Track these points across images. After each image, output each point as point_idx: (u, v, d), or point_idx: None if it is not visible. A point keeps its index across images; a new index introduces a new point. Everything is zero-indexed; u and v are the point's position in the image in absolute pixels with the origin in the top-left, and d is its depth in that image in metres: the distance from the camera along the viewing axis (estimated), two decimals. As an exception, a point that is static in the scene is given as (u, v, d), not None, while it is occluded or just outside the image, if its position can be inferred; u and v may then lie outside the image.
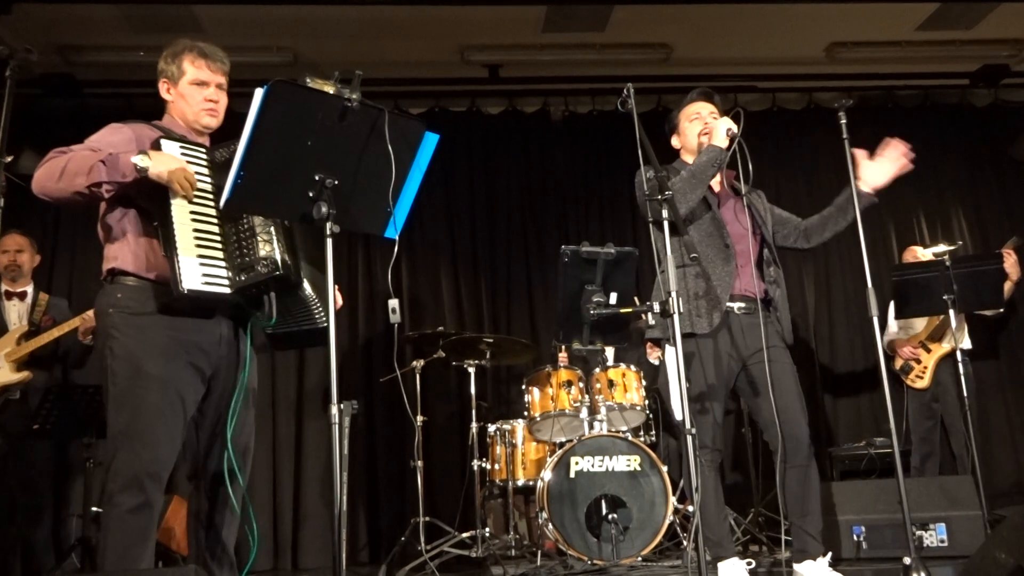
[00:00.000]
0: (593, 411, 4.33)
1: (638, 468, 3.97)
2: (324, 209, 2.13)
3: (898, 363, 5.19)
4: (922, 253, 5.26)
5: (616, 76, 5.55)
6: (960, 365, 4.34)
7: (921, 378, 5.05)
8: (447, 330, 4.85)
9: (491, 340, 4.48)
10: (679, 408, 2.54)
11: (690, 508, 2.81)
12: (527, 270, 5.88)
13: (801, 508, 2.98)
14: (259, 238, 2.37)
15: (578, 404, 4.32)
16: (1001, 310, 4.95)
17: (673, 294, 2.53)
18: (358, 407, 2.09)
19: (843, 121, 3.11)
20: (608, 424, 4.26)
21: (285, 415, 5.41)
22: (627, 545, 3.82)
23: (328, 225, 2.14)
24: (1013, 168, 6.30)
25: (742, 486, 5.19)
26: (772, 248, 3.19)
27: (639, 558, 3.86)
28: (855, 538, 3.78)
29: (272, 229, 2.37)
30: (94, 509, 4.00)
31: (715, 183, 3.21)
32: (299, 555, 5.22)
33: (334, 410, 2.04)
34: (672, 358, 2.78)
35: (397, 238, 2.32)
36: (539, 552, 4.09)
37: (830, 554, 2.98)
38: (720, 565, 3.02)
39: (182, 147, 2.45)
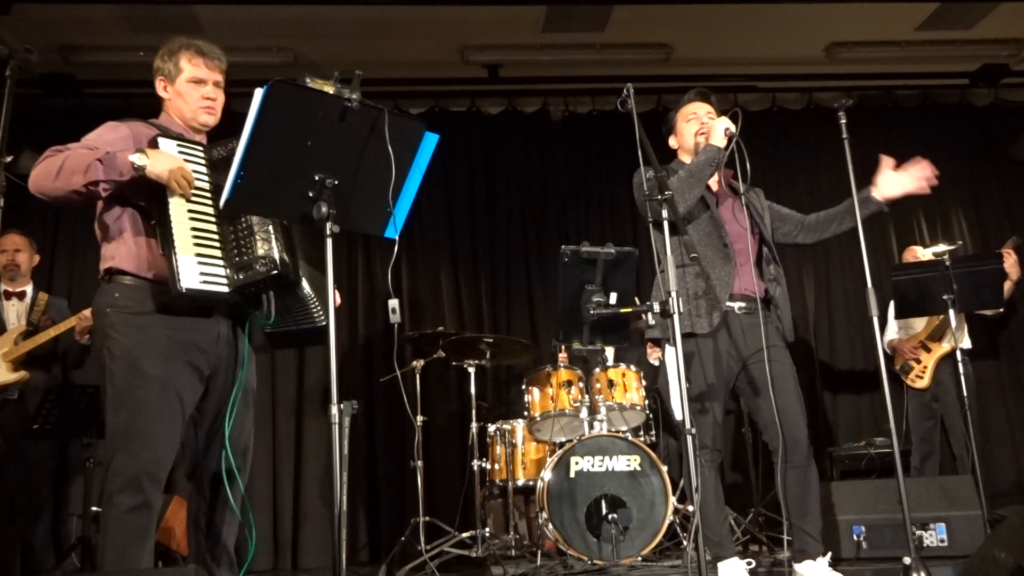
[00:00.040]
0: (593, 411, 4.33)
1: (638, 468, 3.97)
2: (324, 209, 2.13)
3: (898, 363, 5.19)
4: (922, 253, 5.26)
5: (616, 76, 5.55)
6: (960, 365, 4.33)
7: (921, 378, 5.05)
8: (447, 330, 4.85)
9: (491, 340, 4.48)
10: (679, 408, 2.54)
11: (690, 508, 2.81)
12: (527, 270, 5.88)
13: (801, 508, 2.98)
14: (257, 237, 2.36)
15: (578, 404, 4.32)
16: (1001, 310, 4.95)
17: (673, 294, 2.53)
18: (358, 407, 2.09)
19: (843, 121, 3.11)
20: (608, 424, 4.26)
21: (285, 415, 5.41)
22: (627, 545, 3.82)
23: (328, 225, 2.14)
24: (1013, 168, 6.30)
25: (742, 486, 5.19)
26: (771, 246, 3.19)
27: (639, 558, 3.87)
28: (855, 538, 3.78)
29: (270, 228, 2.37)
30: (94, 509, 4.00)
31: (713, 182, 3.21)
32: (299, 555, 5.22)
33: (334, 410, 2.04)
34: (672, 358, 2.78)
35: (397, 238, 2.32)
36: (539, 552, 4.09)
37: (830, 554, 2.98)
38: (720, 565, 3.02)
39: (179, 145, 2.45)
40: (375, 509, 5.36)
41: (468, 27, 5.36)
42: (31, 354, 4.18)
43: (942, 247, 5.34)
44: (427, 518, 4.36)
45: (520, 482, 4.48)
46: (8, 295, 4.36)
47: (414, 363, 4.63)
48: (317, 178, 2.15)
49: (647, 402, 4.42)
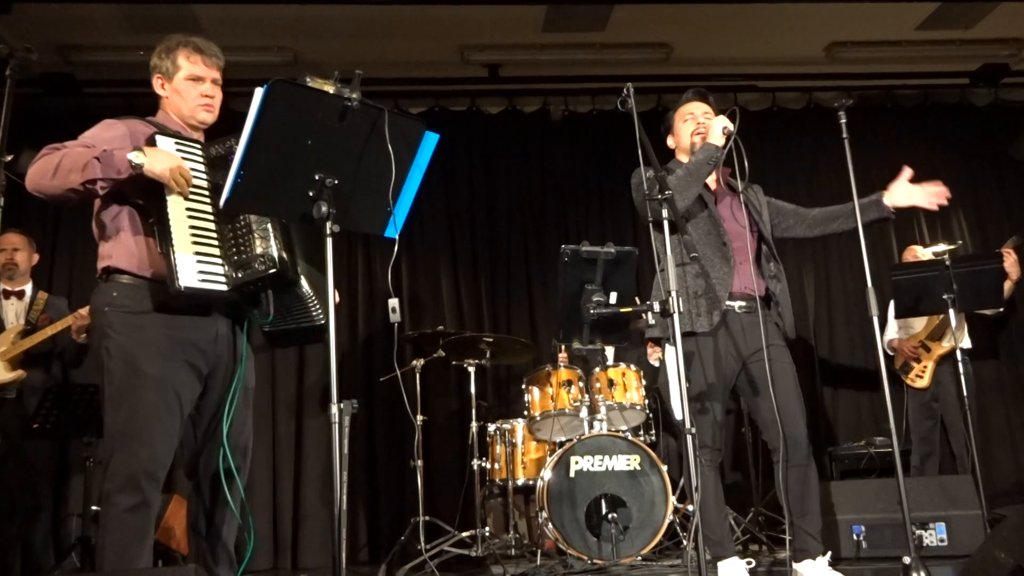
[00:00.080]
0: (593, 410, 4.33)
1: (638, 467, 3.97)
2: (324, 209, 2.13)
3: (898, 362, 5.19)
4: (922, 252, 5.26)
5: (616, 76, 5.55)
6: (960, 364, 4.33)
7: (921, 377, 5.05)
8: (447, 329, 4.85)
9: (491, 340, 4.48)
10: (679, 407, 2.54)
11: (690, 507, 2.81)
12: (527, 270, 5.88)
13: (800, 507, 2.98)
14: (256, 235, 2.36)
15: (578, 403, 4.32)
16: (1001, 309, 4.95)
17: (673, 294, 2.53)
18: (358, 406, 2.09)
19: (843, 121, 3.11)
20: (608, 423, 4.26)
21: (285, 414, 5.41)
22: (627, 544, 3.82)
23: (328, 225, 2.14)
24: (1013, 168, 6.29)
25: (742, 485, 5.19)
26: (771, 244, 3.19)
27: (639, 557, 3.87)
28: (855, 537, 3.78)
29: (268, 226, 2.37)
30: (94, 508, 3.99)
31: (711, 181, 3.21)
32: (299, 554, 5.22)
33: (334, 409, 2.04)
34: (672, 357, 2.78)
35: (397, 238, 2.32)
36: (539, 551, 4.09)
37: (830, 553, 2.98)
38: (720, 564, 3.02)
39: (177, 143, 2.44)
40: (375, 508, 5.36)
41: (468, 27, 5.35)
42: (29, 353, 4.18)
43: (942, 247, 5.35)
44: (427, 517, 4.36)
45: (520, 481, 4.48)
46: (7, 294, 4.36)
47: (414, 362, 4.63)
48: (317, 177, 2.15)
49: (647, 402, 4.42)
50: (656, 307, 2.58)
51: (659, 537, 3.88)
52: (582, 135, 6.06)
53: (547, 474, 3.96)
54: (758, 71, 6.00)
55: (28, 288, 4.43)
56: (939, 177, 3.22)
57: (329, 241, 2.14)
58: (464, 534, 4.33)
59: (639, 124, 2.64)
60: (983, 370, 5.56)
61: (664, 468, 3.98)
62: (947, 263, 4.21)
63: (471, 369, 4.56)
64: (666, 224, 2.65)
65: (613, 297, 2.81)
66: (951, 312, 4.15)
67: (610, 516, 3.83)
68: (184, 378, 2.41)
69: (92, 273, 2.48)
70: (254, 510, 5.07)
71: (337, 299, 2.17)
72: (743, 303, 3.09)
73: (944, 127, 6.25)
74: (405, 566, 4.14)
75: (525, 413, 4.50)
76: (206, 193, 2.43)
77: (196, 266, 2.32)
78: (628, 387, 4.34)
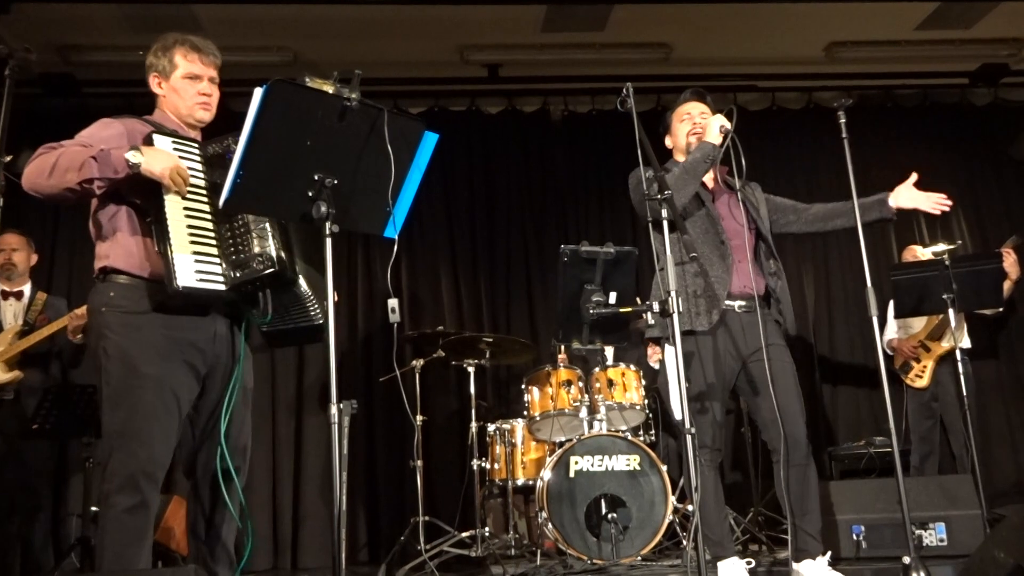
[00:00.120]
0: (593, 410, 4.33)
1: (638, 467, 3.97)
2: (323, 209, 2.13)
3: (897, 362, 5.19)
4: (921, 252, 5.26)
5: (616, 76, 5.54)
6: (959, 364, 4.33)
7: (920, 377, 5.05)
8: (447, 330, 4.85)
9: (491, 340, 4.48)
10: (678, 407, 2.54)
11: (689, 507, 2.81)
12: (527, 270, 5.88)
13: (800, 507, 2.98)
14: (254, 234, 2.35)
15: (578, 403, 4.32)
16: (1000, 309, 4.95)
17: (672, 293, 2.53)
18: (357, 407, 2.08)
19: (842, 121, 3.12)
20: (608, 423, 4.26)
21: (285, 414, 5.41)
22: (627, 544, 3.82)
23: (327, 225, 2.13)
24: (1013, 167, 6.29)
25: (742, 485, 5.19)
26: (769, 241, 3.19)
27: (639, 557, 3.87)
28: (855, 537, 3.78)
29: (267, 225, 2.36)
30: (93, 509, 3.99)
31: (709, 180, 3.22)
32: (299, 555, 5.21)
33: (333, 410, 2.04)
34: (672, 357, 2.78)
35: (396, 238, 2.32)
36: (539, 552, 4.09)
37: (829, 553, 2.98)
38: (720, 564, 3.02)
39: (174, 142, 2.43)
40: (375, 509, 5.36)
41: (468, 27, 5.35)
42: (26, 354, 4.17)
43: (942, 246, 5.35)
44: (427, 518, 4.36)
45: (520, 481, 4.48)
46: (5, 295, 4.35)
47: (414, 363, 4.63)
48: (316, 177, 2.15)
49: (647, 401, 4.42)
50: (656, 307, 2.58)
51: (659, 537, 3.88)
52: (582, 135, 6.06)
53: (547, 474, 3.96)
54: (758, 71, 6.00)
55: (27, 289, 4.42)
56: (939, 177, 3.24)
57: (328, 241, 2.14)
58: (464, 534, 4.33)
59: (638, 124, 2.64)
60: (983, 370, 5.56)
61: (664, 468, 3.98)
62: (947, 263, 4.21)
63: (471, 369, 4.56)
64: (665, 224, 2.65)
65: (613, 297, 2.81)
66: (951, 312, 4.15)
67: (610, 516, 3.83)
68: (182, 378, 2.40)
69: (91, 273, 2.48)
70: (254, 510, 5.07)
71: (336, 299, 2.17)
72: (743, 302, 3.09)
73: (944, 127, 6.25)
74: (405, 566, 4.14)
75: (525, 413, 4.50)
76: (204, 192, 2.43)
77: (194, 266, 2.31)
78: (628, 387, 4.34)
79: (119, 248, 2.41)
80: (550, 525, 3.89)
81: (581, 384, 4.40)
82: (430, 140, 2.34)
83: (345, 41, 5.36)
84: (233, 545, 2.57)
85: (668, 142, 3.33)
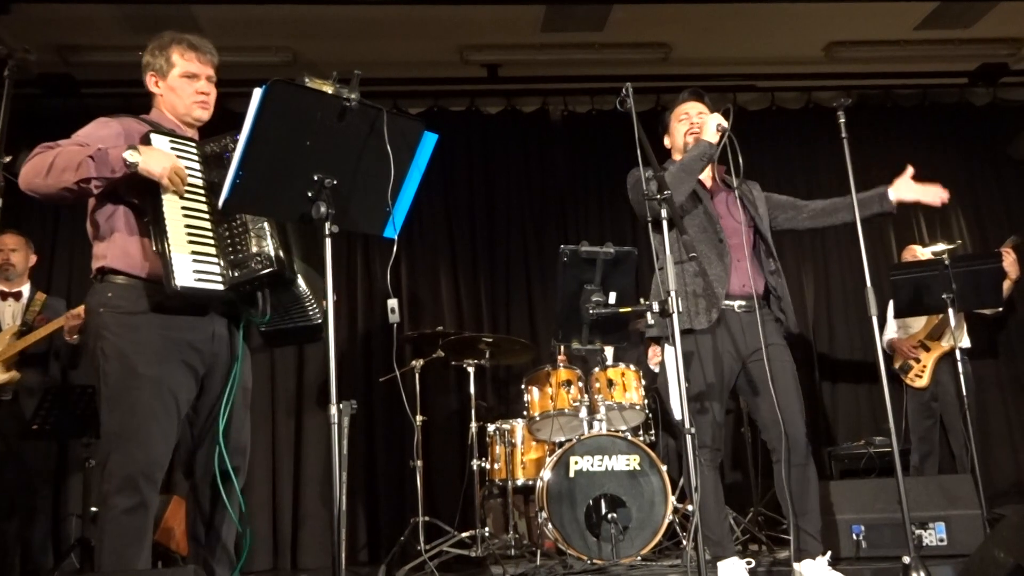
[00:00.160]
0: (592, 410, 4.33)
1: (637, 467, 3.97)
2: (323, 209, 2.13)
3: (897, 362, 5.19)
4: (921, 252, 5.26)
5: (615, 76, 5.55)
6: (959, 364, 4.34)
7: (920, 377, 5.05)
8: (446, 330, 4.85)
9: (490, 340, 4.48)
10: (678, 408, 2.54)
11: (689, 507, 2.81)
12: (526, 270, 5.88)
13: (800, 507, 2.98)
14: (252, 234, 2.35)
15: (577, 404, 4.32)
16: (1000, 309, 4.95)
17: (672, 293, 2.53)
18: (357, 407, 2.08)
19: (842, 120, 3.12)
20: (607, 423, 4.26)
21: (284, 415, 5.41)
22: (626, 544, 3.82)
23: (327, 225, 2.13)
24: (1012, 167, 6.30)
25: (742, 485, 5.19)
26: (769, 240, 3.19)
27: (638, 557, 3.87)
28: (854, 537, 3.78)
29: (265, 225, 2.35)
30: (93, 509, 3.99)
31: (707, 179, 3.22)
32: (298, 555, 5.21)
33: (333, 410, 2.04)
34: (671, 357, 2.78)
35: (396, 238, 2.32)
36: (538, 552, 4.09)
37: (829, 553, 2.98)
38: (720, 564, 3.02)
39: (172, 141, 2.43)
40: (374, 509, 5.36)
41: (467, 27, 5.35)
42: (24, 354, 4.17)
43: (941, 246, 5.35)
44: (426, 518, 4.36)
45: (519, 482, 4.48)
46: (4, 295, 4.34)
47: (413, 363, 4.63)
48: (316, 178, 2.15)
49: (646, 401, 4.42)
50: (655, 307, 2.58)
51: (659, 537, 3.88)
52: (581, 135, 6.06)
53: (547, 474, 3.96)
54: (757, 71, 6.00)
55: (25, 289, 4.42)
56: (938, 177, 3.22)
57: (328, 242, 2.13)
58: (464, 534, 4.33)
59: (638, 124, 2.64)
60: (982, 369, 5.56)
61: (664, 468, 3.98)
62: (946, 263, 4.21)
63: (470, 369, 4.56)
64: (664, 223, 2.65)
65: (612, 297, 2.81)
66: (950, 312, 4.15)
67: (610, 516, 3.83)
68: (180, 379, 2.40)
69: (90, 274, 2.47)
70: (254, 510, 5.07)
71: (336, 298, 2.16)
72: (742, 302, 3.09)
73: (943, 127, 6.25)
74: (405, 566, 4.14)
75: (524, 413, 4.50)
76: (201, 192, 2.42)
77: (192, 265, 2.31)
78: (627, 387, 4.34)
79: (116, 248, 2.40)
80: (550, 525, 3.89)
81: (581, 384, 4.40)
82: (429, 140, 2.34)
83: (344, 41, 5.36)
84: (233, 545, 2.56)
85: (667, 142, 3.33)
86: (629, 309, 2.81)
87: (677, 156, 3.24)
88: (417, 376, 4.65)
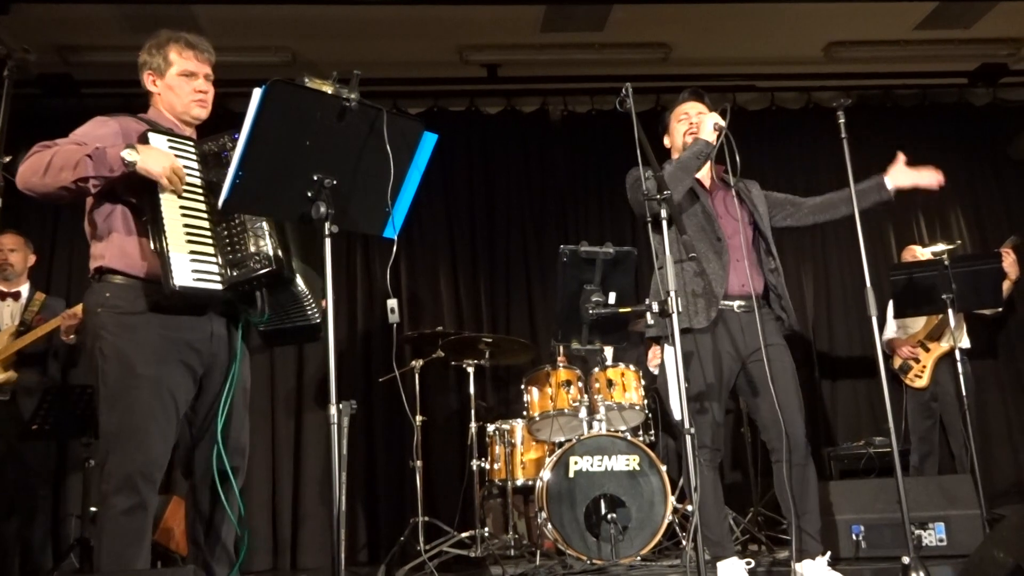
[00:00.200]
0: (592, 411, 4.33)
1: (637, 468, 3.97)
2: (323, 209, 2.13)
3: (897, 362, 5.19)
4: (921, 252, 5.26)
5: (615, 76, 5.55)
6: (959, 364, 4.34)
7: (920, 377, 5.05)
8: (446, 330, 4.85)
9: (490, 340, 4.48)
10: (678, 408, 2.54)
11: (689, 508, 2.81)
12: (526, 270, 5.88)
13: (799, 507, 2.98)
14: (250, 233, 2.34)
15: (577, 404, 4.32)
16: (1000, 309, 4.95)
17: (672, 294, 2.53)
18: (357, 407, 2.08)
19: (842, 120, 3.12)
20: (607, 424, 4.26)
21: (284, 415, 5.41)
22: (626, 545, 3.82)
23: (327, 225, 2.13)
24: (1012, 167, 6.29)
25: (741, 485, 5.19)
26: (769, 238, 3.19)
27: (638, 558, 3.87)
28: (854, 537, 3.78)
29: (264, 224, 2.35)
30: (92, 509, 3.99)
31: (705, 178, 3.22)
32: (298, 555, 5.21)
33: (332, 410, 2.04)
34: (671, 357, 2.78)
35: (396, 238, 2.32)
36: (538, 552, 4.09)
37: (829, 553, 2.98)
38: (719, 565, 3.02)
39: (170, 140, 2.43)
40: (374, 509, 5.36)
41: (467, 27, 5.35)
42: (22, 354, 4.16)
43: (941, 246, 5.34)
44: (426, 518, 4.36)
45: (519, 482, 4.48)
46: (3, 295, 4.34)
47: (413, 363, 4.63)
48: (316, 178, 2.15)
49: (646, 402, 4.42)
50: (655, 307, 2.58)
51: (658, 537, 3.88)
52: (581, 135, 6.06)
53: (546, 474, 3.96)
54: (757, 71, 6.00)
55: (24, 289, 4.42)
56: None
57: (328, 242, 2.13)
58: (463, 535, 4.34)
59: (638, 124, 2.64)
60: (982, 370, 5.56)
61: (663, 468, 3.98)
62: (946, 263, 4.21)
63: (470, 369, 4.56)
64: (664, 223, 2.65)
65: (612, 297, 2.81)
66: (950, 312, 4.15)
67: (609, 516, 3.82)
68: (179, 379, 2.39)
69: (88, 274, 2.47)
70: (253, 510, 5.07)
71: (324, 304, 2.16)
72: (741, 302, 3.09)
73: (943, 127, 6.25)
74: (404, 567, 4.14)
75: (524, 413, 4.50)
76: (200, 191, 2.42)
77: (191, 265, 2.31)
78: (627, 387, 4.34)
79: (114, 248, 2.40)
80: (549, 525, 3.89)
81: (580, 384, 4.40)
82: (429, 140, 2.34)
83: (344, 41, 5.36)
84: (233, 545, 2.56)
85: (667, 142, 3.34)
86: (629, 309, 2.81)
87: (677, 156, 3.24)
88: (417, 376, 4.65)
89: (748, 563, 3.11)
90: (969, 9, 5.37)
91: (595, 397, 4.33)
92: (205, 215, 2.40)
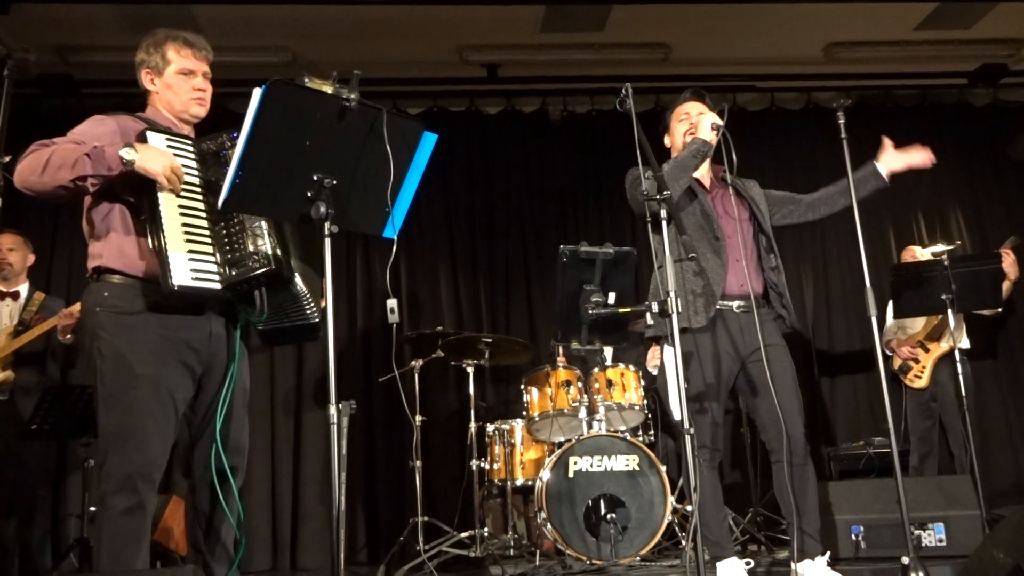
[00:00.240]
0: (592, 411, 4.33)
1: (637, 468, 3.97)
2: (322, 209, 2.13)
3: (896, 363, 5.19)
4: (920, 253, 5.26)
5: (615, 76, 5.55)
6: (958, 365, 4.34)
7: (919, 378, 5.05)
8: (446, 330, 4.85)
9: (490, 340, 4.48)
10: (678, 408, 2.54)
11: (688, 508, 2.81)
12: (526, 270, 5.88)
13: (798, 507, 2.98)
14: (249, 232, 2.34)
15: (577, 404, 4.32)
16: (999, 310, 4.95)
17: (671, 294, 2.53)
18: (356, 407, 2.08)
19: (841, 121, 3.12)
20: (607, 424, 4.26)
21: (284, 415, 5.41)
22: (626, 545, 3.82)
23: (327, 225, 2.13)
24: (1012, 168, 6.30)
25: (741, 485, 5.20)
26: (770, 236, 3.19)
27: (638, 558, 3.86)
28: (853, 537, 3.78)
29: (263, 223, 2.35)
30: (92, 509, 3.98)
31: (704, 178, 3.22)
32: (298, 555, 5.21)
33: (332, 410, 2.04)
34: (671, 357, 2.78)
35: (395, 238, 2.31)
36: (538, 552, 4.09)
37: (828, 553, 2.98)
38: (719, 565, 3.02)
39: (168, 139, 2.42)
40: (374, 509, 5.36)
41: (467, 27, 5.35)
42: (20, 354, 4.16)
43: (941, 247, 5.35)
44: (426, 518, 4.36)
45: (519, 482, 4.48)
46: (2, 295, 4.34)
47: (413, 363, 4.63)
48: (315, 178, 2.15)
49: (646, 402, 4.42)
50: (655, 307, 2.58)
51: (658, 537, 3.88)
52: (581, 135, 6.06)
53: (546, 474, 3.96)
54: (756, 71, 6.00)
55: (23, 289, 4.41)
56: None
57: (328, 242, 2.13)
58: (463, 535, 4.33)
59: (637, 124, 2.64)
60: (981, 370, 5.56)
61: (663, 468, 3.98)
62: (946, 263, 4.21)
63: (470, 369, 4.56)
64: (664, 223, 2.65)
65: (612, 297, 2.81)
66: (949, 312, 4.15)
67: (609, 516, 3.82)
68: (178, 378, 2.39)
69: (87, 273, 2.46)
70: (253, 510, 5.06)
71: (323, 304, 2.16)
72: (740, 303, 3.09)
73: (943, 127, 6.24)
74: (404, 567, 4.14)
75: (524, 413, 4.50)
76: (198, 190, 2.41)
77: (189, 264, 2.30)
78: (627, 387, 4.34)
79: (113, 247, 2.39)
80: (549, 525, 3.89)
81: (580, 384, 4.40)
82: (429, 140, 2.34)
83: (344, 41, 5.36)
84: (232, 545, 2.56)
85: (667, 142, 3.34)
86: (628, 309, 2.81)
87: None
88: (416, 376, 4.65)
89: (748, 563, 3.11)
90: (969, 9, 5.37)
91: (595, 397, 4.33)
92: (204, 214, 2.39)
